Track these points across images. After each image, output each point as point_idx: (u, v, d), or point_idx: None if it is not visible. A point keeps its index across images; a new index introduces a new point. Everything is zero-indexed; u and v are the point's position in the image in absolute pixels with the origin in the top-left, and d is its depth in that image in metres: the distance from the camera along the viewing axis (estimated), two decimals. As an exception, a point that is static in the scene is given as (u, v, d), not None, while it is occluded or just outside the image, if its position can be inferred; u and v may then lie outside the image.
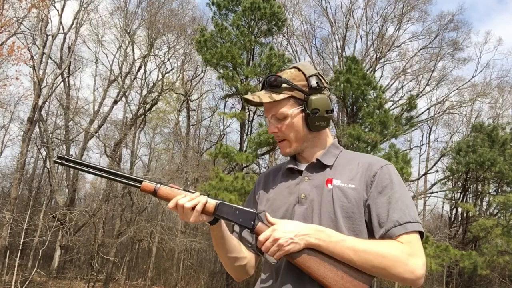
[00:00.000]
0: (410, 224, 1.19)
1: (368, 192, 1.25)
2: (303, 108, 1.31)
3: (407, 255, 1.15)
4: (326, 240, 1.17)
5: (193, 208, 1.22)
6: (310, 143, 1.35)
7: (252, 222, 1.24)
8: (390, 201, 1.22)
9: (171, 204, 1.23)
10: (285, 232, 1.17)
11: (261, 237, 1.19)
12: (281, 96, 1.30)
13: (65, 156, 1.27)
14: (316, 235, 1.17)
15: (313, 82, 1.31)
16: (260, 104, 1.35)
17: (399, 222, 1.19)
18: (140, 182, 1.27)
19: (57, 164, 1.29)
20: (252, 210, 1.26)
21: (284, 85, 1.30)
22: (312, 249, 1.17)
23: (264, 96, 1.30)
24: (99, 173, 1.29)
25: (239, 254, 1.35)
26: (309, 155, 1.36)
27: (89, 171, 1.29)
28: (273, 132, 1.35)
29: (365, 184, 1.25)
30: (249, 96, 1.33)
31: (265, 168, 17.97)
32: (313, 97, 1.30)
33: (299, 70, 1.32)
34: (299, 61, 20.17)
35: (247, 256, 1.38)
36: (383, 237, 1.20)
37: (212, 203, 1.24)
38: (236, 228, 1.39)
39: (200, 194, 1.25)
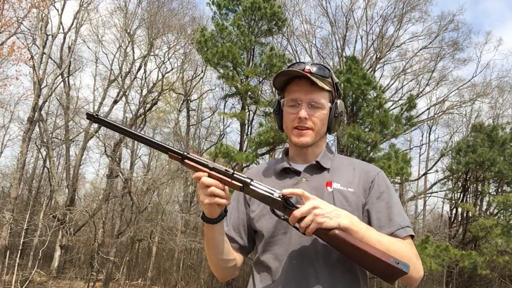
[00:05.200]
0: (409, 229, 1.26)
1: (367, 197, 1.29)
2: (331, 107, 1.33)
3: (415, 256, 1.22)
4: (357, 225, 1.17)
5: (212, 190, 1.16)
6: (320, 141, 1.37)
7: (278, 207, 1.18)
8: (389, 206, 1.28)
9: (194, 176, 1.19)
10: (323, 205, 1.15)
11: (298, 211, 1.13)
12: (327, 87, 1.30)
13: (95, 114, 1.23)
14: (349, 218, 1.17)
15: (340, 88, 1.37)
16: (282, 86, 1.33)
17: (401, 226, 1.25)
18: (167, 151, 1.23)
19: (89, 120, 1.25)
20: (279, 199, 1.18)
21: (329, 79, 1.31)
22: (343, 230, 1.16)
23: (315, 78, 1.27)
24: (127, 133, 1.25)
25: (229, 256, 1.33)
26: (310, 155, 1.36)
27: (118, 130, 1.24)
28: (304, 117, 1.28)
29: (363, 189, 1.30)
30: (302, 72, 1.26)
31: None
32: (339, 101, 1.35)
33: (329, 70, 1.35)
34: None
35: (236, 257, 1.36)
36: None
37: (237, 186, 1.18)
38: (227, 226, 1.38)
39: (226, 170, 1.18)
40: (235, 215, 1.40)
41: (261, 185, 1.20)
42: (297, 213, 1.14)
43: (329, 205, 1.17)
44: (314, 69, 1.28)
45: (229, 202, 1.19)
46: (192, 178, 1.22)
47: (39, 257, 13.92)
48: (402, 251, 1.19)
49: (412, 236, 1.27)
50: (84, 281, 15.09)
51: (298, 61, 1.36)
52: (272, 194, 1.18)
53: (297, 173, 1.34)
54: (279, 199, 1.18)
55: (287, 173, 1.35)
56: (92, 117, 1.21)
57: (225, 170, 1.19)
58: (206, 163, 1.19)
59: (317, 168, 1.33)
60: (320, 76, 1.29)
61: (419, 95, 20.77)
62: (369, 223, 1.27)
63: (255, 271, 1.34)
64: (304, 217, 1.14)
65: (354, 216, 1.19)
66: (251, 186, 1.19)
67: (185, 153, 1.20)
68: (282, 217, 1.21)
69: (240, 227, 1.39)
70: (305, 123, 1.30)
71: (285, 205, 1.18)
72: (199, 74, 20.48)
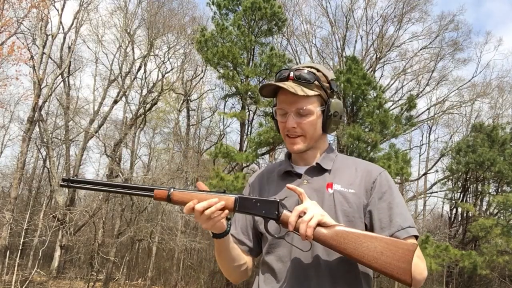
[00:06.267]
0: (411, 229, 1.25)
1: (369, 197, 1.28)
2: (324, 109, 1.31)
3: (417, 257, 1.19)
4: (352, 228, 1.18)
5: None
6: (317, 144, 1.36)
7: (276, 212, 1.19)
8: (391, 207, 1.26)
9: (186, 211, 1.18)
10: (319, 208, 1.17)
11: (299, 206, 1.16)
12: (312, 93, 1.28)
13: (70, 178, 1.22)
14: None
15: (334, 86, 1.34)
16: (272, 94, 1.33)
17: (401, 227, 1.24)
18: (152, 190, 1.21)
19: (63, 187, 1.24)
20: (273, 199, 1.21)
21: (316, 82, 1.29)
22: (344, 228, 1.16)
23: (297, 88, 1.26)
24: (107, 188, 1.24)
25: (241, 260, 1.36)
26: (310, 157, 1.36)
27: (97, 188, 1.23)
28: (292, 127, 1.29)
29: (364, 190, 1.28)
30: (280, 84, 1.27)
31: (265, 168, 17.93)
32: (333, 101, 1.32)
33: (319, 71, 1.32)
34: (300, 61, 20.22)
35: (247, 260, 1.39)
36: None
37: (230, 199, 1.18)
38: (235, 230, 1.39)
39: (217, 191, 1.21)
40: (242, 218, 1.42)
41: (251, 208, 1.21)
42: (299, 207, 1.15)
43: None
44: (298, 75, 1.28)
45: (227, 213, 1.20)
46: (185, 213, 1.19)
47: (39, 257, 13.93)
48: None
49: (416, 237, 1.25)
50: (84, 281, 15.09)
51: (285, 68, 1.34)
52: (261, 214, 1.21)
53: (299, 175, 1.34)
54: (276, 199, 1.20)
55: (290, 175, 1.36)
56: (67, 182, 1.21)
57: (216, 191, 1.22)
58: (195, 192, 1.21)
59: (318, 170, 1.33)
60: (304, 82, 1.27)
61: (419, 95, 20.78)
62: (371, 224, 1.27)
63: (260, 272, 1.36)
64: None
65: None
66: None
67: (172, 188, 1.21)
68: (277, 236, 1.22)
69: (248, 230, 1.41)
70: (294, 131, 1.30)
71: (280, 207, 1.19)
72: (199, 74, 20.50)
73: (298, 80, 1.27)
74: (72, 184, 1.22)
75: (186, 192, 1.20)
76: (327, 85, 1.32)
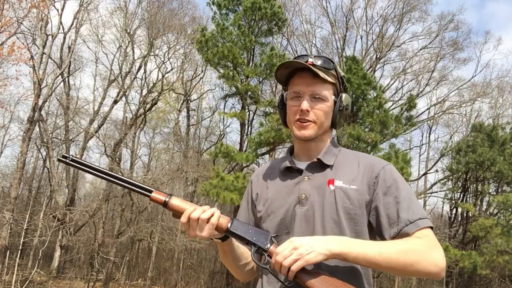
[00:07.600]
0: (421, 221, 1.19)
1: (372, 193, 1.24)
2: (335, 100, 1.31)
3: (427, 248, 1.15)
4: (347, 245, 1.13)
5: (207, 221, 1.18)
6: (323, 136, 1.34)
7: (266, 242, 1.19)
8: (398, 201, 1.22)
9: (183, 219, 1.18)
10: (305, 240, 1.13)
11: (279, 249, 1.13)
12: (330, 79, 1.28)
13: (71, 156, 1.22)
14: (336, 241, 1.14)
15: (345, 82, 1.35)
16: (285, 79, 1.32)
17: (410, 221, 1.19)
18: (150, 191, 1.23)
19: (60, 162, 1.26)
20: (266, 231, 1.23)
21: (333, 71, 1.29)
22: (328, 275, 1.14)
23: (318, 70, 1.25)
24: (107, 177, 1.24)
25: (247, 259, 1.36)
26: (314, 150, 1.33)
27: (96, 174, 1.23)
28: (306, 109, 1.26)
29: (367, 186, 1.25)
30: (304, 63, 1.25)
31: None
32: (344, 95, 1.32)
33: (334, 63, 1.32)
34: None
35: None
36: (395, 236, 1.20)
37: (225, 218, 1.20)
38: None
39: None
40: (246, 216, 1.41)
41: (243, 231, 1.22)
42: (279, 258, 1.12)
43: (313, 237, 1.15)
44: (317, 61, 1.27)
45: (216, 222, 1.20)
46: (182, 225, 1.20)
47: (39, 257, 13.94)
48: (408, 249, 1.14)
49: (431, 228, 1.20)
50: (84, 281, 15.09)
51: (303, 54, 1.33)
52: (252, 240, 1.21)
53: (300, 171, 1.32)
54: (269, 233, 1.22)
55: (290, 172, 1.33)
56: (66, 158, 1.23)
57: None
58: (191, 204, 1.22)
59: (320, 165, 1.30)
60: (323, 68, 1.27)
61: (419, 95, 20.77)
62: (378, 221, 1.23)
63: (263, 272, 1.34)
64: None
65: (341, 237, 1.17)
66: (234, 224, 1.22)
67: (170, 195, 1.23)
68: (262, 265, 1.21)
69: None
70: (307, 115, 1.27)
71: (269, 242, 1.20)
72: (199, 74, 20.50)
73: (318, 65, 1.27)
74: (70, 162, 1.23)
75: (183, 202, 1.22)
76: (340, 79, 1.33)
